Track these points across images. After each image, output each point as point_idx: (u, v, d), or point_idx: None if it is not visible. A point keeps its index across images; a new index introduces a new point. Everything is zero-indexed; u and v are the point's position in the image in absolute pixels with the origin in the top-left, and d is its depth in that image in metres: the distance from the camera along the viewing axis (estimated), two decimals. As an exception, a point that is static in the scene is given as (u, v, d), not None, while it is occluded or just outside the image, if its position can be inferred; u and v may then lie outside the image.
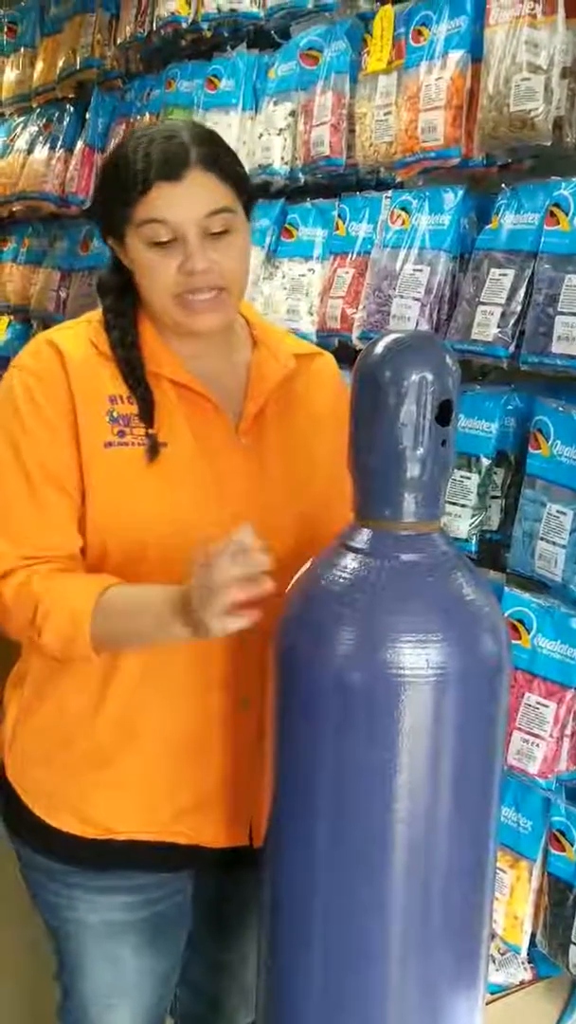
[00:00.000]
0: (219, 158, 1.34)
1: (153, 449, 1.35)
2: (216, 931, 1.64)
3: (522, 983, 1.87)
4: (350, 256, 2.23)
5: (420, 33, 2.01)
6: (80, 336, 1.40)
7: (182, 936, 1.55)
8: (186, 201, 1.31)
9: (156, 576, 1.34)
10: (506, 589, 1.79)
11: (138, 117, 3.09)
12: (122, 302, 1.41)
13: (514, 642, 1.73)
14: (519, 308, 1.77)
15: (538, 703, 1.71)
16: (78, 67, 3.47)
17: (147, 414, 1.35)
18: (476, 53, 1.88)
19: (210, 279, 1.33)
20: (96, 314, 1.44)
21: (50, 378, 1.35)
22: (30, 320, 4.06)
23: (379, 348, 1.20)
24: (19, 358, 1.40)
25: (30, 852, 1.48)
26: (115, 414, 1.35)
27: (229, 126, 2.52)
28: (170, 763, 1.41)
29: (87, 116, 3.45)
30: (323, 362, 1.56)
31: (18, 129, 4.04)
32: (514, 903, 1.78)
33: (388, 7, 2.11)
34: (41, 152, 3.74)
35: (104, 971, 1.49)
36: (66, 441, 1.34)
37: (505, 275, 1.81)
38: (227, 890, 1.59)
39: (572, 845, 1.70)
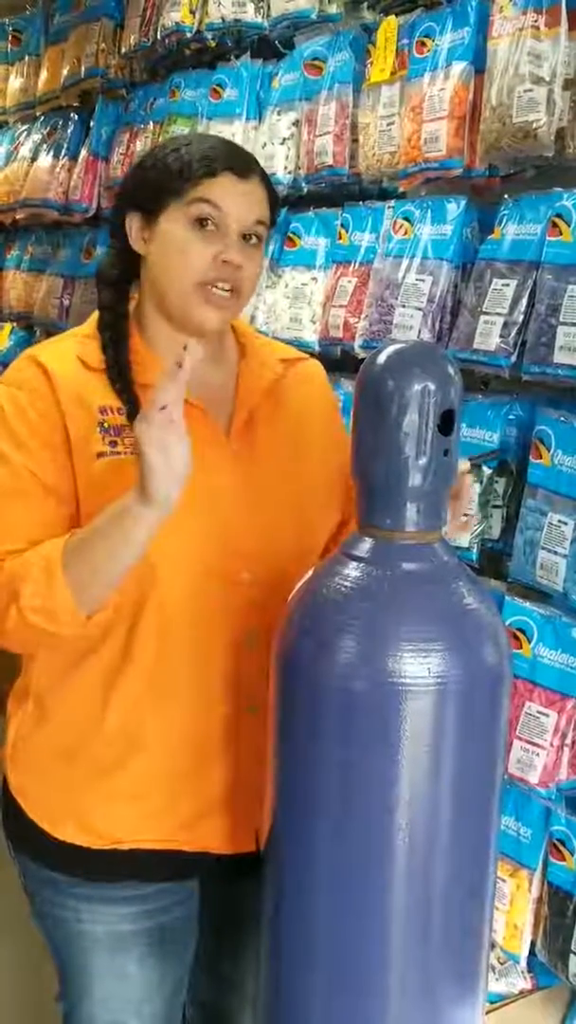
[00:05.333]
0: (270, 180, 1.42)
1: None
2: (223, 945, 1.63)
3: (521, 992, 1.87)
4: (353, 265, 2.24)
5: (423, 44, 2.02)
6: (66, 351, 1.41)
7: (188, 950, 1.54)
8: (245, 199, 1.37)
9: (153, 585, 1.34)
10: (507, 598, 1.80)
11: (142, 126, 3.11)
12: (119, 303, 1.43)
13: (515, 651, 1.73)
14: (521, 318, 1.78)
15: (538, 712, 1.71)
16: (82, 76, 3.49)
17: (135, 417, 1.35)
18: (479, 64, 1.89)
19: (237, 276, 1.36)
20: (82, 329, 1.45)
21: (37, 391, 1.36)
22: (33, 327, 4.07)
23: (382, 358, 1.20)
24: (3, 376, 1.41)
25: (35, 866, 1.47)
26: (106, 425, 1.36)
27: (233, 135, 2.53)
28: (175, 771, 1.41)
29: (91, 125, 3.47)
30: (309, 365, 1.59)
31: (22, 137, 4.06)
32: (514, 912, 1.78)
33: (392, 18, 2.13)
34: (45, 160, 3.75)
35: (110, 987, 1.47)
36: (59, 451, 1.35)
37: (507, 285, 1.81)
38: (233, 903, 1.58)
39: (572, 854, 1.71)
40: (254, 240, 1.38)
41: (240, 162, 1.38)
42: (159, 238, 1.38)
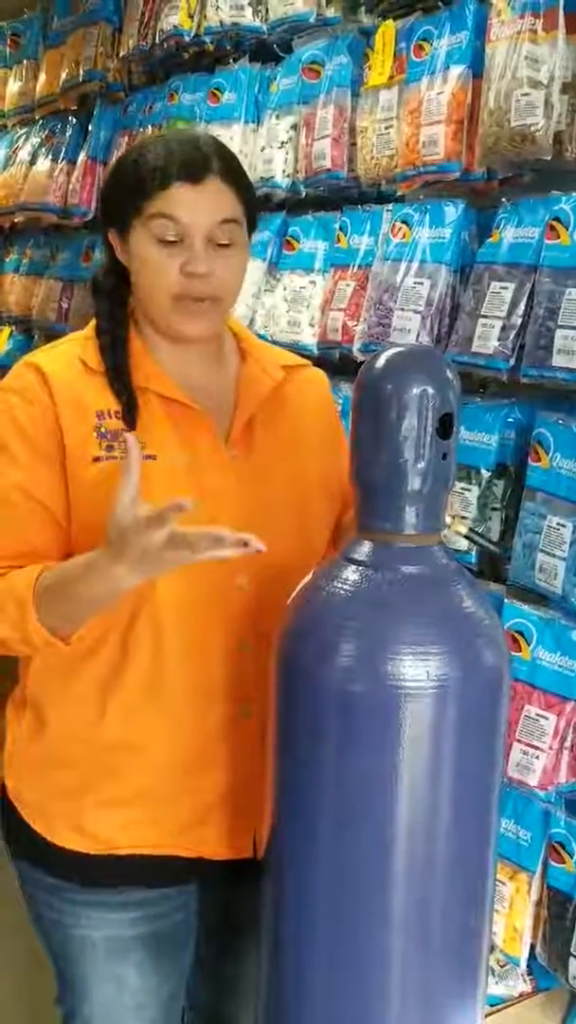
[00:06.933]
0: (235, 171, 1.38)
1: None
2: (222, 949, 1.63)
3: (521, 995, 1.87)
4: (351, 269, 2.24)
5: (421, 48, 2.02)
6: (66, 354, 1.41)
7: (186, 954, 1.54)
8: (201, 205, 1.33)
9: (148, 593, 1.34)
10: (506, 601, 1.80)
11: (140, 129, 3.11)
12: (115, 308, 1.43)
13: (514, 654, 1.73)
14: (519, 321, 1.78)
15: (538, 715, 1.71)
16: (81, 79, 3.49)
17: (131, 418, 1.36)
18: (477, 68, 1.90)
19: (208, 286, 1.35)
20: (85, 332, 1.45)
21: (33, 399, 1.36)
22: (32, 331, 4.07)
23: (380, 362, 1.20)
24: (2, 382, 1.41)
25: (33, 871, 1.47)
26: (103, 429, 1.35)
27: (231, 139, 2.54)
28: (172, 776, 1.41)
29: (89, 128, 3.47)
30: (310, 373, 1.58)
31: (20, 140, 4.06)
32: (513, 915, 1.78)
33: (390, 22, 2.13)
34: (43, 163, 3.76)
35: (108, 992, 1.47)
36: (50, 460, 1.35)
37: (505, 288, 1.82)
38: (231, 907, 1.58)
39: (571, 857, 1.71)
40: (227, 240, 1.36)
41: (193, 167, 1.33)
42: (132, 255, 1.37)
